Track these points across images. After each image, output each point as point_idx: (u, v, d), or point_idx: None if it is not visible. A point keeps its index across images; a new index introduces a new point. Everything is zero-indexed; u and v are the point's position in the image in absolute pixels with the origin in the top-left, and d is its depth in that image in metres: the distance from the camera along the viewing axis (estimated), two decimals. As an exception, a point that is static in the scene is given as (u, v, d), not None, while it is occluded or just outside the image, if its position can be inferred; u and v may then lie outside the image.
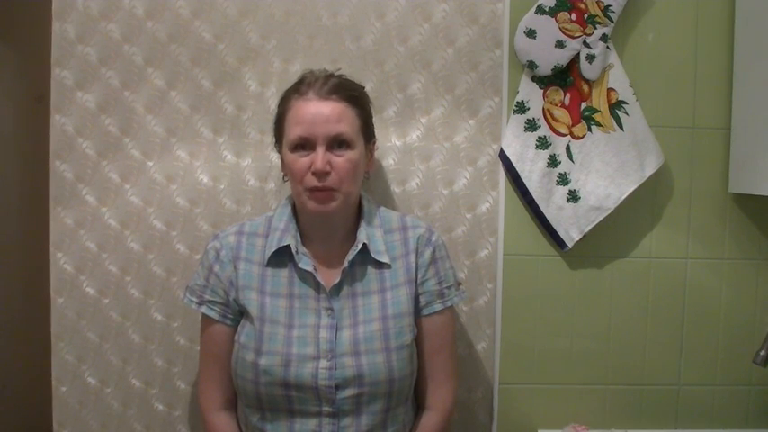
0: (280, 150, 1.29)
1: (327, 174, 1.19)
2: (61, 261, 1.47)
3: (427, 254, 1.27)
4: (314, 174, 1.18)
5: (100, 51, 1.44)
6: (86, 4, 1.43)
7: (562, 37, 1.44)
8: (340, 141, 1.21)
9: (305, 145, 1.20)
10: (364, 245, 1.24)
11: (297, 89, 1.24)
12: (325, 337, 1.20)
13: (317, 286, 1.23)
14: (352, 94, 1.25)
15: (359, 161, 1.23)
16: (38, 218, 1.50)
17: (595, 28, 1.44)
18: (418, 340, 1.27)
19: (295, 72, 1.42)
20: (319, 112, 1.20)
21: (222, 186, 1.48)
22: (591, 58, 1.44)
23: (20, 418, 1.67)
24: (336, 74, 1.27)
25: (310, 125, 1.19)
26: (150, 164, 1.47)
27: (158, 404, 1.50)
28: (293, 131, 1.21)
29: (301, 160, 1.20)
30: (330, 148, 1.20)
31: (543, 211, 1.48)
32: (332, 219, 1.24)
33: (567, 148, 1.48)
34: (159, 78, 1.45)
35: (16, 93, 1.66)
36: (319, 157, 1.18)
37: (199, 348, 1.33)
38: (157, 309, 1.49)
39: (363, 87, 1.32)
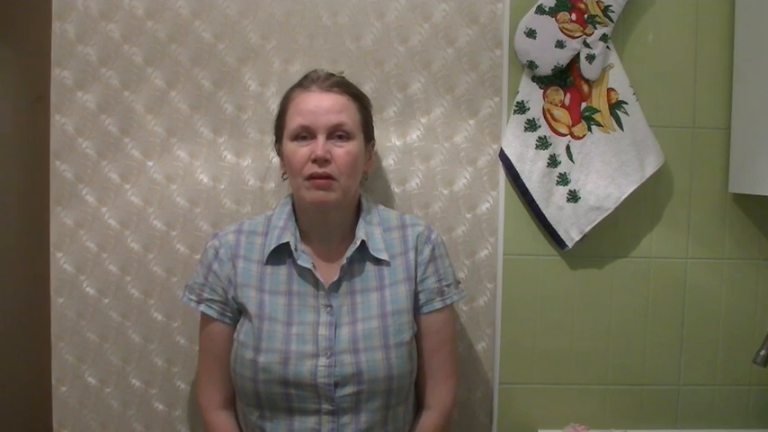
0: (279, 149, 1.30)
1: (328, 162, 1.19)
2: (61, 261, 1.47)
3: (427, 251, 1.27)
4: (314, 161, 1.19)
5: (100, 51, 1.44)
6: (86, 4, 1.44)
7: (562, 37, 1.44)
8: (340, 133, 1.22)
9: (306, 135, 1.22)
10: (363, 242, 1.24)
11: (300, 84, 1.27)
12: (324, 334, 1.20)
13: (316, 283, 1.23)
14: (354, 91, 1.28)
15: (358, 155, 1.24)
16: (38, 218, 1.50)
17: (595, 28, 1.44)
18: (418, 338, 1.27)
19: (295, 72, 1.42)
20: (321, 102, 1.22)
21: (222, 186, 1.48)
22: (591, 58, 1.44)
23: (20, 418, 1.67)
24: (339, 74, 1.29)
25: (312, 115, 1.21)
26: (150, 164, 1.47)
27: (158, 404, 1.50)
28: (294, 121, 1.22)
29: (301, 149, 1.21)
30: (330, 139, 1.21)
31: (543, 211, 1.48)
32: (330, 214, 1.25)
33: (567, 148, 1.48)
34: (159, 78, 1.45)
35: (16, 93, 1.66)
36: (320, 144, 1.20)
37: (198, 348, 1.33)
38: (157, 309, 1.49)
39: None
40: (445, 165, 1.49)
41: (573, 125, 1.47)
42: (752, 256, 1.52)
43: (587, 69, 1.45)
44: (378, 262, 1.25)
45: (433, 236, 1.29)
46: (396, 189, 1.48)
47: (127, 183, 1.47)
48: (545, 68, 1.45)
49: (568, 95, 1.47)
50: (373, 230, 1.26)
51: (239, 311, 1.26)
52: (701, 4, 1.48)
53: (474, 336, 1.51)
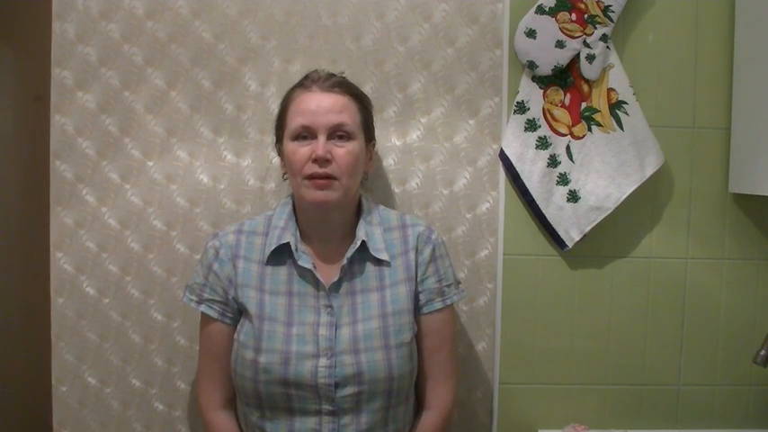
0: (279, 149, 1.30)
1: (328, 162, 1.19)
2: (61, 261, 1.47)
3: (427, 252, 1.27)
4: (315, 161, 1.19)
5: (100, 51, 1.44)
6: (86, 4, 1.44)
7: (562, 37, 1.44)
8: (341, 133, 1.22)
9: (306, 135, 1.22)
10: (363, 242, 1.24)
11: (301, 84, 1.27)
12: (325, 334, 1.20)
13: (317, 284, 1.23)
14: (354, 91, 1.28)
15: (359, 154, 1.24)
16: (38, 218, 1.50)
17: (595, 28, 1.44)
18: (418, 339, 1.27)
19: (295, 72, 1.43)
20: (322, 102, 1.22)
21: (222, 186, 1.48)
22: (591, 58, 1.44)
23: (20, 418, 1.67)
24: (340, 74, 1.29)
25: (312, 114, 1.21)
26: (150, 164, 1.47)
27: (158, 404, 1.50)
28: (295, 121, 1.22)
29: (302, 149, 1.21)
30: (331, 139, 1.21)
31: (543, 211, 1.48)
32: (330, 214, 1.25)
33: (567, 148, 1.48)
34: (159, 78, 1.45)
35: (16, 93, 1.66)
36: (320, 144, 1.20)
37: (198, 348, 1.33)
38: (157, 309, 1.49)
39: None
40: (445, 165, 1.49)
41: (573, 125, 1.47)
42: (752, 256, 1.52)
43: (587, 69, 1.45)
44: (378, 262, 1.25)
45: (434, 236, 1.29)
46: (396, 189, 1.48)
47: (127, 183, 1.47)
48: (545, 68, 1.45)
49: (568, 95, 1.47)
50: (374, 231, 1.26)
51: (239, 312, 1.26)
52: (700, 4, 1.48)
53: (474, 336, 1.51)
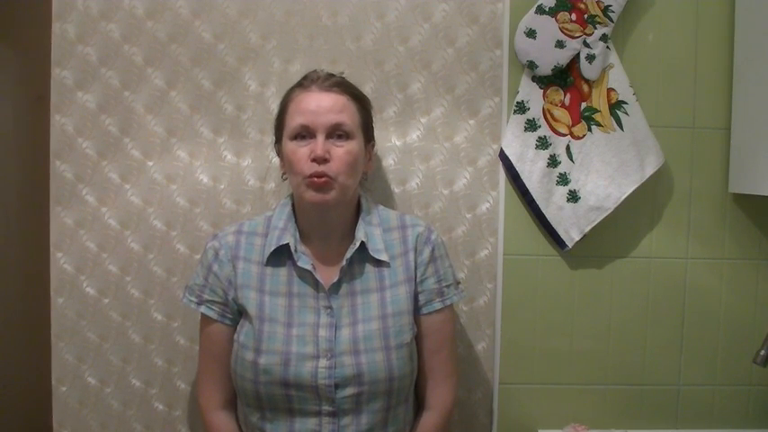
0: (279, 149, 1.30)
1: (327, 161, 1.19)
2: (61, 261, 1.47)
3: (426, 252, 1.27)
4: (313, 160, 1.19)
5: (100, 51, 1.44)
6: (86, 4, 1.44)
7: (562, 37, 1.44)
8: (340, 132, 1.22)
9: (305, 134, 1.22)
10: (363, 243, 1.24)
11: (300, 83, 1.27)
12: (325, 335, 1.20)
13: (316, 285, 1.23)
14: (354, 91, 1.28)
15: (358, 154, 1.24)
16: (38, 218, 1.50)
17: (595, 28, 1.44)
18: (417, 339, 1.27)
19: (295, 72, 1.43)
20: (321, 102, 1.22)
21: (222, 186, 1.48)
22: (591, 58, 1.44)
23: (20, 418, 1.67)
24: (339, 75, 1.29)
25: (312, 114, 1.21)
26: (150, 164, 1.47)
27: (158, 404, 1.50)
28: (294, 120, 1.22)
29: (301, 149, 1.21)
30: (330, 138, 1.21)
31: (543, 211, 1.48)
32: (330, 214, 1.25)
33: (567, 148, 1.48)
34: (159, 78, 1.45)
35: (16, 93, 1.65)
36: (319, 143, 1.19)
37: (198, 348, 1.33)
38: (157, 309, 1.49)
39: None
40: (445, 165, 1.49)
41: (573, 125, 1.47)
42: (752, 256, 1.52)
43: (587, 69, 1.45)
44: (378, 263, 1.25)
45: (433, 236, 1.29)
46: (396, 189, 1.49)
47: (127, 183, 1.47)
48: (545, 68, 1.45)
49: (568, 95, 1.47)
50: (373, 231, 1.26)
51: (239, 312, 1.26)
52: (701, 4, 1.48)
53: (474, 336, 1.51)
